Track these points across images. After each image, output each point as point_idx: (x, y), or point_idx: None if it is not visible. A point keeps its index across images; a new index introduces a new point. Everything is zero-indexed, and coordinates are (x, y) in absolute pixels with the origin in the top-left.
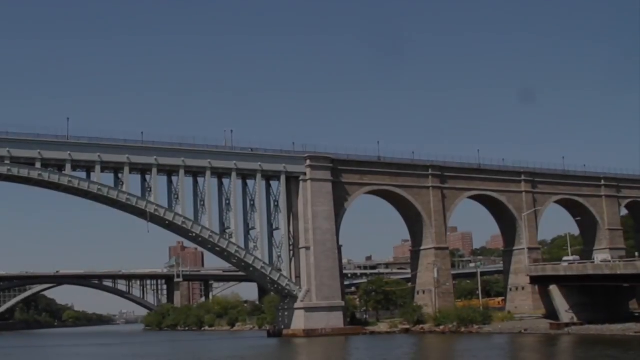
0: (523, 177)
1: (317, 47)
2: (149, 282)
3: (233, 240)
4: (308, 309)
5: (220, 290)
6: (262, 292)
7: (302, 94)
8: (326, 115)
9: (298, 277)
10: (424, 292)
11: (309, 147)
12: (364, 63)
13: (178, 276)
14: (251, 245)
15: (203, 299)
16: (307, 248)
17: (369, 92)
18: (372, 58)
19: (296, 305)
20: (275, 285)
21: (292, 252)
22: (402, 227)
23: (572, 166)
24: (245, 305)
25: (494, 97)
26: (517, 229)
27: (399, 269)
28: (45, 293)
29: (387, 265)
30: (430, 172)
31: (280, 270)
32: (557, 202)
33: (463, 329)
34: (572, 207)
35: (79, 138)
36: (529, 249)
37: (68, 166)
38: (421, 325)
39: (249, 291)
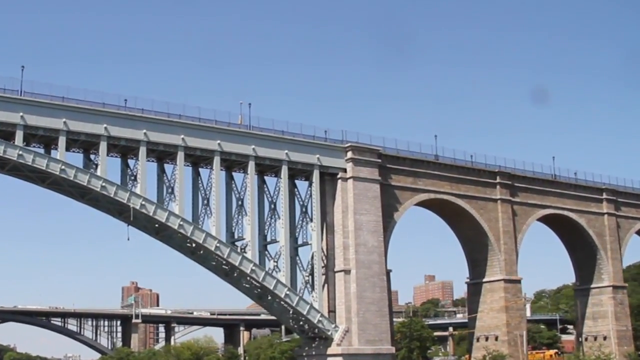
0: (605, 196)
1: (357, 26)
2: (101, 322)
3: (248, 255)
4: (347, 356)
5: (181, 335)
6: (229, 337)
7: (339, 75)
8: (368, 104)
9: (332, 311)
10: (486, 338)
11: (349, 135)
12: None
13: (137, 316)
14: (269, 264)
15: (162, 343)
16: (347, 272)
17: (420, 78)
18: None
19: (330, 350)
20: (301, 322)
21: (324, 277)
22: None
23: None
24: (218, 351)
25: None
26: (598, 261)
27: None
28: None
29: None
30: (498, 179)
31: (308, 301)
32: None
33: None
34: None
35: (36, 95)
36: (614, 287)
37: (19, 134)
38: None
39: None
